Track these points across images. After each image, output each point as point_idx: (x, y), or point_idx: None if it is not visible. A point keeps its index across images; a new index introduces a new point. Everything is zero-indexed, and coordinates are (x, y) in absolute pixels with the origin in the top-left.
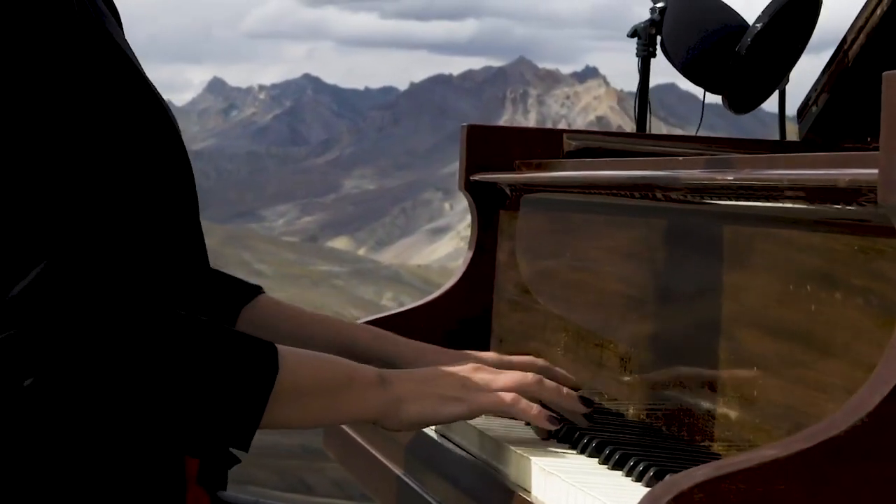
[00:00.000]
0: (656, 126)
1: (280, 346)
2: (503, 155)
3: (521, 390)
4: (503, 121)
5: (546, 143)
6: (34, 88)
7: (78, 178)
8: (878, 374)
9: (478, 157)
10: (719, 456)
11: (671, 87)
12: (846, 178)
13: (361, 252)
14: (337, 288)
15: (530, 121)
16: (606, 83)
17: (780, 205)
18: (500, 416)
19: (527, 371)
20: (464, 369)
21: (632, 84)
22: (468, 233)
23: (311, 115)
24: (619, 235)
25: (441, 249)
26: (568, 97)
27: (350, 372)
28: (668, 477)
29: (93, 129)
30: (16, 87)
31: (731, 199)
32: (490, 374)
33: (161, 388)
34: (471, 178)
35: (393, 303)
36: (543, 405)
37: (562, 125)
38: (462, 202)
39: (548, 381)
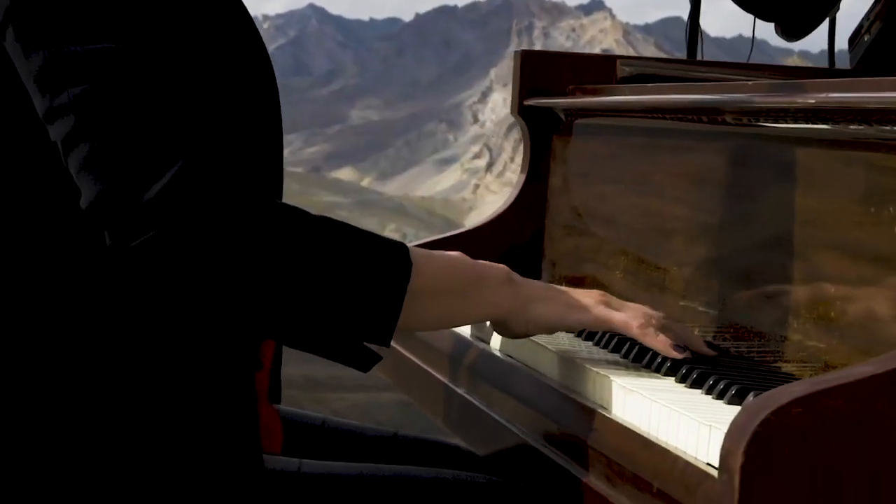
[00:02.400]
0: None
1: (410, 245)
2: (556, 81)
3: (645, 321)
4: (509, 52)
5: (599, 70)
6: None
7: (206, 90)
8: None
9: (531, 83)
10: (793, 376)
11: (677, 21)
12: None
13: (365, 183)
14: (341, 219)
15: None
16: (612, 16)
17: (856, 127)
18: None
19: None
20: (590, 291)
21: (637, 17)
22: (472, 165)
23: (315, 46)
24: (682, 159)
25: (445, 181)
26: (573, 30)
27: (480, 269)
28: (758, 394)
29: (211, 47)
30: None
31: (804, 122)
32: (616, 303)
33: (304, 285)
34: (524, 102)
35: (396, 234)
36: None
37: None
38: (467, 134)
39: (671, 322)
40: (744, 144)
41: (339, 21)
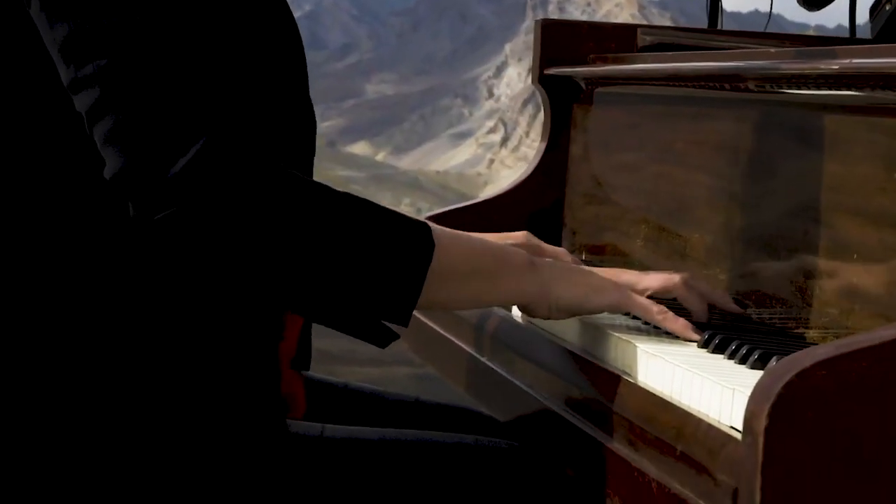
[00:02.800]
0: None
1: (433, 225)
2: (577, 50)
3: (667, 290)
4: (524, 27)
5: (620, 39)
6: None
7: (233, 62)
8: None
9: (551, 52)
10: (815, 343)
11: None
12: None
13: (380, 157)
14: (356, 193)
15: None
16: None
17: (881, 94)
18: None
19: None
20: (609, 270)
21: None
22: (487, 140)
23: (330, 20)
24: (704, 127)
25: (460, 156)
26: (589, 4)
27: (502, 254)
28: (781, 359)
29: (238, 17)
30: None
31: (828, 89)
32: (635, 276)
33: (325, 262)
34: (545, 71)
35: (411, 209)
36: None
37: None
38: (482, 109)
39: (694, 282)
40: (765, 111)
41: None
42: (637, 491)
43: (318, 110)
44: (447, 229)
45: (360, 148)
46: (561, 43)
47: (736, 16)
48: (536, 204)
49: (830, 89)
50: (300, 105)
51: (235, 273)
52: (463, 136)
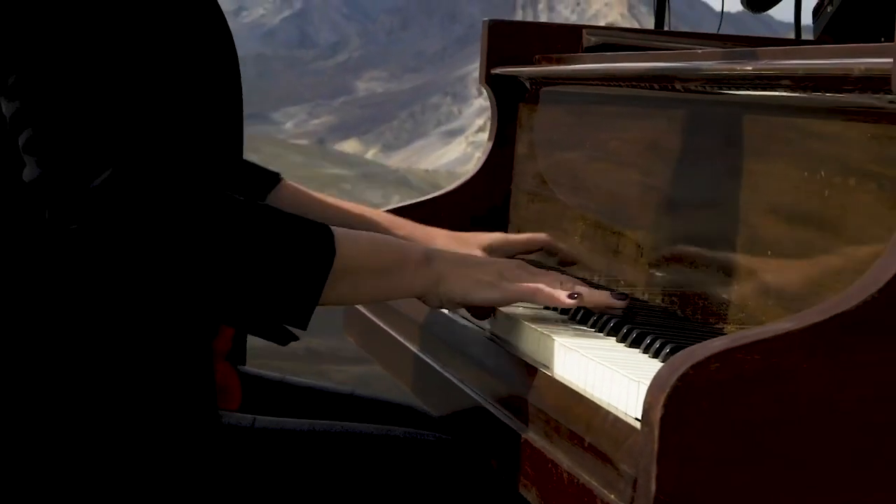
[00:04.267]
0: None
1: (334, 228)
2: (524, 50)
3: (530, 298)
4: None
5: (565, 39)
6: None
7: (148, 77)
8: (890, 250)
9: (499, 52)
10: None
11: None
12: (861, 67)
13: (370, 155)
14: (344, 192)
15: (542, 18)
16: None
17: (797, 94)
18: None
19: (530, 246)
20: (507, 262)
21: None
22: (477, 138)
23: (320, 18)
24: (637, 126)
25: (450, 154)
26: (578, 3)
27: (401, 252)
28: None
29: (156, 31)
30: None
31: (749, 90)
32: (527, 273)
33: (228, 268)
34: (492, 71)
35: None
36: None
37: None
38: (472, 107)
39: (583, 286)
40: (694, 111)
41: None
42: (551, 482)
43: (307, 108)
44: (351, 231)
45: (349, 146)
46: (508, 43)
47: (726, 16)
48: (484, 201)
49: (749, 90)
50: (227, 110)
51: (140, 282)
52: (453, 133)
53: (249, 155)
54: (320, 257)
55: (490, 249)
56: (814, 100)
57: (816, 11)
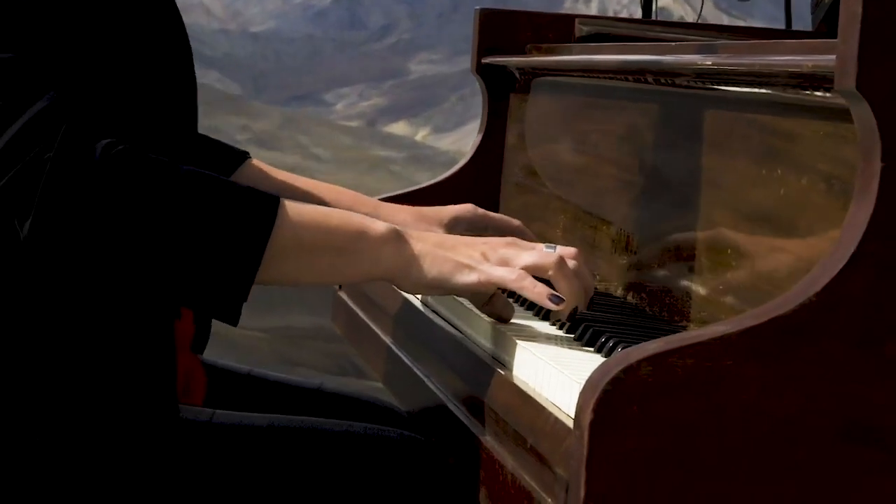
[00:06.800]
0: (715, 15)
1: (284, 200)
2: (516, 39)
3: (539, 269)
4: (565, 9)
5: (558, 29)
6: None
7: (84, 40)
8: (830, 255)
9: (490, 41)
10: None
11: None
12: (808, 64)
13: (419, 137)
14: (394, 173)
15: (592, 9)
16: None
17: (753, 90)
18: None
19: (502, 228)
20: (495, 241)
21: None
22: None
23: (370, 1)
24: (614, 119)
25: None
26: None
27: (361, 226)
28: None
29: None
30: None
31: (710, 84)
32: (514, 251)
33: (160, 238)
34: (482, 61)
35: None
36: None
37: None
38: None
39: (569, 265)
40: (663, 104)
41: None
42: (497, 482)
43: (357, 90)
44: (303, 204)
45: (399, 128)
46: (499, 32)
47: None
48: (474, 192)
49: (709, 85)
50: (178, 80)
51: (75, 254)
52: None
53: (298, 136)
54: (256, 230)
55: (455, 222)
56: (767, 95)
57: (815, 3)
